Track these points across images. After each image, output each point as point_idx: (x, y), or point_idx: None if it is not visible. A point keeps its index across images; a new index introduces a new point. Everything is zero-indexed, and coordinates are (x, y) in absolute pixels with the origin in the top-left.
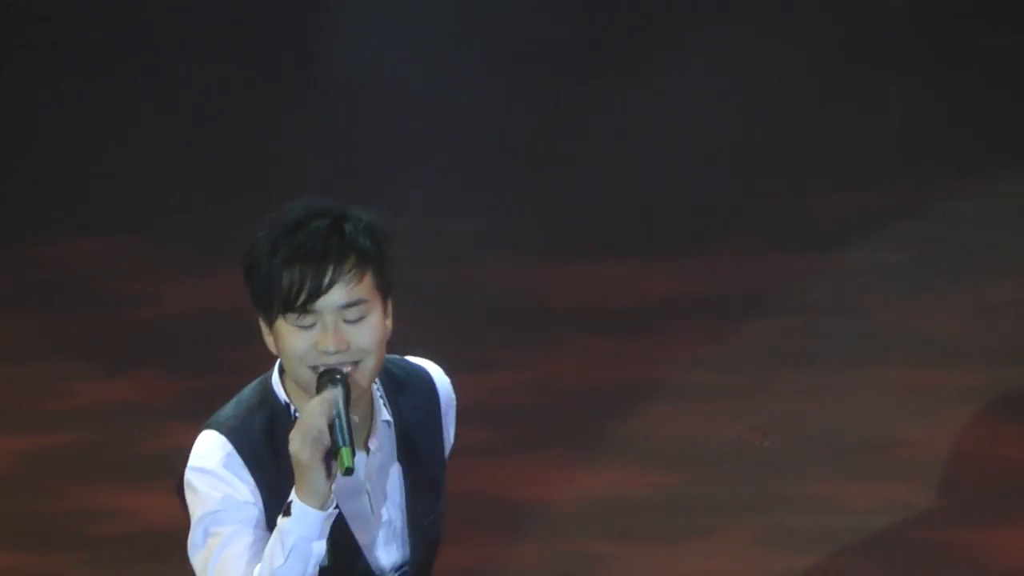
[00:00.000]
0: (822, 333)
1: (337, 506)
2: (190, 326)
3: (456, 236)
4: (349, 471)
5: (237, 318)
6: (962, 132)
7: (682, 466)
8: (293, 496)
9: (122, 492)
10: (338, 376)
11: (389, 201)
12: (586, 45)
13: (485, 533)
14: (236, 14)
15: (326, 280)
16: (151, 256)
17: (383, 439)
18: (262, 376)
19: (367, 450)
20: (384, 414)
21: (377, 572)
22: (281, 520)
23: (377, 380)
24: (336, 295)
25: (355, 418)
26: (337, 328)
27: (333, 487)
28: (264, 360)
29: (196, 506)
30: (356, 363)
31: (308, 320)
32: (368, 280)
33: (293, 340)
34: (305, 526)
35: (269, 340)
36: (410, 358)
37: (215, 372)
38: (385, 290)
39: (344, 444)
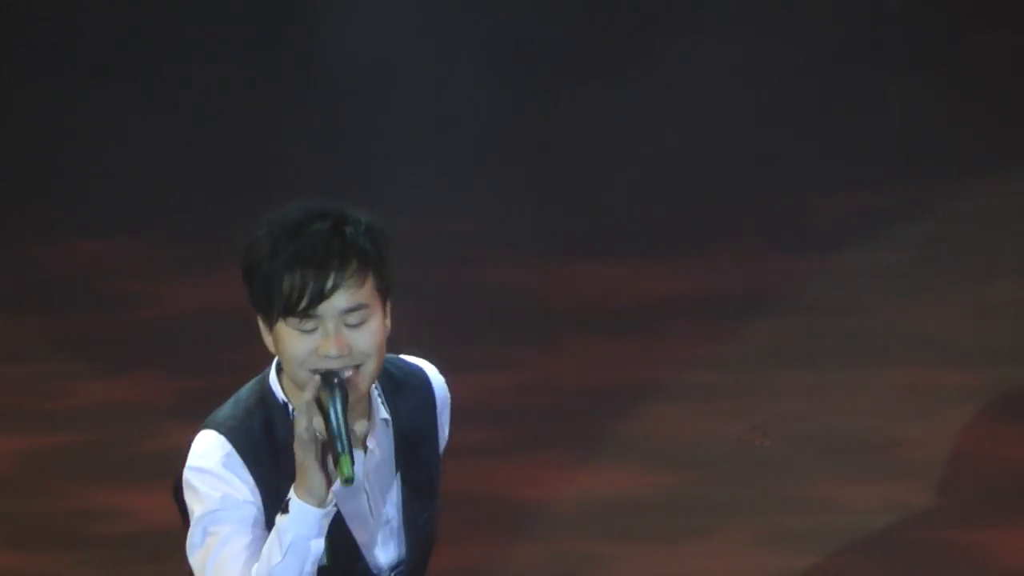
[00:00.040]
0: (822, 333)
1: (336, 505)
2: (190, 326)
3: (456, 236)
4: (349, 480)
5: (237, 318)
6: (962, 132)
7: (682, 466)
8: (292, 494)
9: (122, 492)
10: (335, 381)
11: (389, 201)
12: (587, 45)
13: (485, 533)
14: (236, 14)
15: (328, 285)
16: (151, 256)
17: (381, 438)
18: (259, 376)
19: (365, 449)
20: (382, 412)
21: (375, 571)
22: (279, 518)
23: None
24: (338, 300)
25: (355, 428)
26: (339, 333)
27: (332, 487)
28: (264, 360)
29: (195, 505)
30: (357, 367)
31: (309, 324)
32: (369, 284)
33: (294, 344)
34: (303, 524)
35: (268, 339)
36: (405, 356)
37: (215, 372)
38: (385, 292)
39: (343, 451)
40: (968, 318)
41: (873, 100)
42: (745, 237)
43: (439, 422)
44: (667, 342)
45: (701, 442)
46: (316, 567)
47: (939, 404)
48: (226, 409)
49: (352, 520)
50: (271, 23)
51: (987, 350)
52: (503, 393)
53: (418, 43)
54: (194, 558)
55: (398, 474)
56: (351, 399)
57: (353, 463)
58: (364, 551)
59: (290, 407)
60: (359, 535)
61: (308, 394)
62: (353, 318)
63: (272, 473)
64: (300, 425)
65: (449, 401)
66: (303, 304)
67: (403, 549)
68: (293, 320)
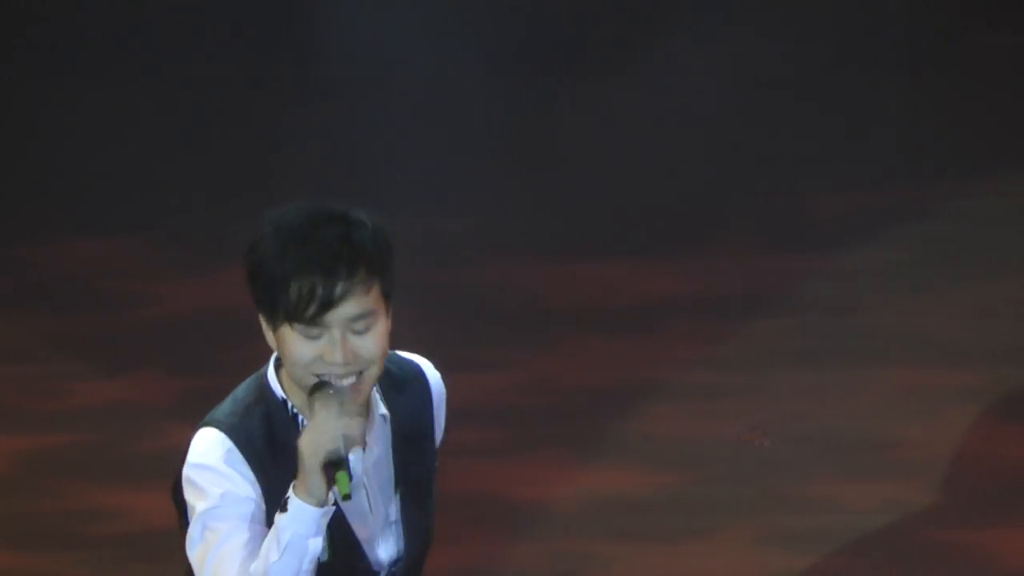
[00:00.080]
0: (822, 333)
1: (336, 503)
2: (190, 326)
3: (455, 236)
4: (347, 497)
5: (237, 318)
6: (962, 132)
7: (682, 466)
8: (291, 492)
9: (122, 492)
10: (330, 391)
11: (388, 201)
12: (587, 44)
13: (484, 533)
14: (236, 14)
15: (336, 293)
16: (151, 256)
17: (379, 434)
18: (256, 373)
19: (364, 445)
20: (381, 408)
21: (376, 567)
22: (278, 516)
23: None
24: (346, 309)
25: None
26: (344, 341)
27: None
28: (263, 360)
29: (196, 502)
30: (360, 372)
31: (315, 331)
32: (375, 290)
33: (299, 349)
34: (301, 523)
35: (269, 336)
36: (401, 352)
37: (215, 372)
38: (389, 296)
39: (341, 468)
40: (968, 318)
41: (873, 100)
42: (745, 237)
43: (435, 417)
44: (667, 342)
45: (701, 442)
46: (314, 566)
47: (939, 404)
48: (225, 407)
49: (352, 516)
50: (271, 23)
51: (987, 350)
52: (503, 393)
53: (418, 43)
54: (193, 554)
55: (396, 470)
56: (352, 404)
57: (351, 479)
58: (364, 546)
59: (289, 404)
60: (359, 531)
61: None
62: (359, 325)
63: (272, 469)
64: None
65: (445, 396)
66: (310, 312)
67: (401, 545)
68: (299, 326)
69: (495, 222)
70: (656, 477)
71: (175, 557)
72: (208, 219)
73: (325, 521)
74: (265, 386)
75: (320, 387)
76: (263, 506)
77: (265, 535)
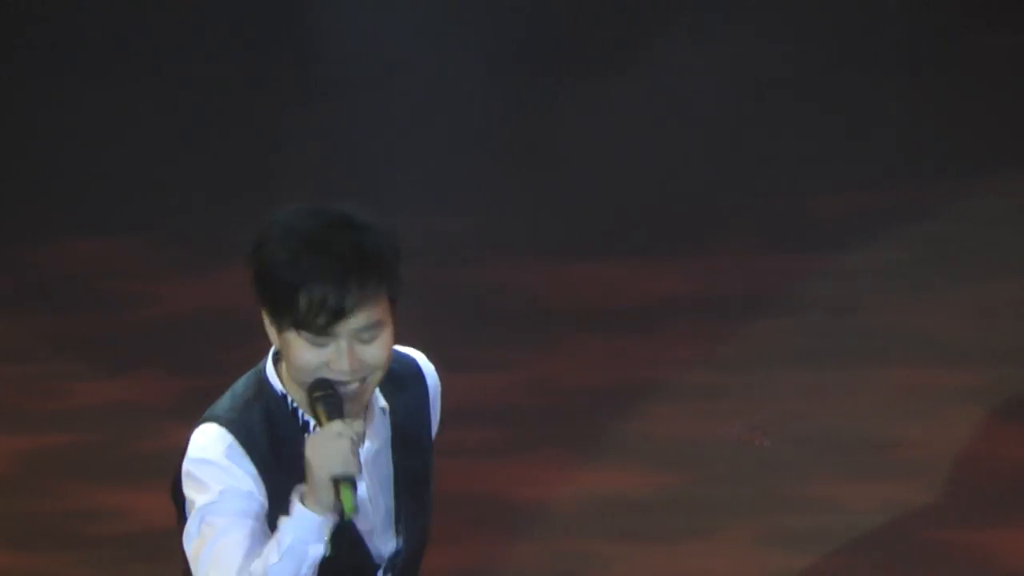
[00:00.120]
0: (822, 333)
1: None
2: (190, 326)
3: (455, 236)
4: (350, 518)
5: (237, 318)
6: (962, 132)
7: (682, 466)
8: (295, 497)
9: (122, 492)
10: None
11: (388, 201)
12: (586, 44)
13: (484, 533)
14: (236, 14)
15: (348, 305)
16: (151, 256)
17: (379, 427)
18: (254, 368)
19: (363, 439)
20: (380, 401)
21: (377, 561)
22: (282, 519)
23: None
24: (355, 320)
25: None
26: (351, 350)
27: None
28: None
29: (196, 496)
30: (364, 379)
31: (322, 340)
32: (384, 299)
33: (304, 355)
34: (303, 529)
35: (272, 333)
36: (397, 347)
37: (215, 372)
38: (395, 302)
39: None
40: (968, 318)
41: (873, 100)
42: (745, 237)
43: (432, 410)
44: (667, 342)
45: (701, 442)
46: (314, 570)
47: (939, 404)
48: (224, 402)
49: None
50: (271, 23)
51: (987, 350)
52: (503, 393)
53: (418, 43)
54: (190, 548)
55: (395, 463)
56: (354, 408)
57: (355, 495)
58: (366, 540)
59: (289, 398)
60: (360, 524)
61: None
62: (367, 335)
63: (273, 464)
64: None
65: (440, 389)
66: (320, 323)
67: (401, 538)
68: (306, 334)
69: (495, 222)
70: (656, 477)
71: (175, 557)
72: (208, 219)
73: (328, 529)
74: (264, 381)
75: (321, 386)
76: (264, 501)
77: (264, 531)
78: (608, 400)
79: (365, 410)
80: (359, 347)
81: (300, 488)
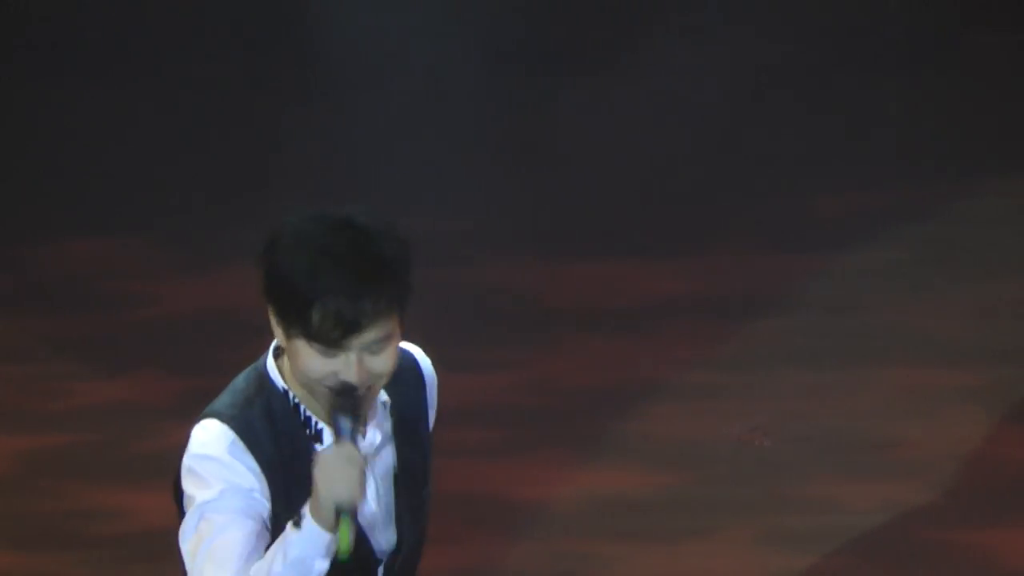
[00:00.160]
0: (822, 333)
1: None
2: (190, 326)
3: (455, 236)
4: (346, 553)
5: (237, 318)
6: (962, 132)
7: (682, 466)
8: (307, 511)
9: (122, 492)
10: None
11: (388, 201)
12: (587, 44)
13: (484, 533)
14: (236, 14)
15: (362, 321)
16: (151, 256)
17: (380, 421)
18: (253, 364)
19: (365, 432)
20: (382, 395)
21: (379, 555)
22: (290, 528)
23: None
24: (368, 335)
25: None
26: (360, 361)
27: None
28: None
29: (196, 492)
30: (370, 386)
31: (332, 351)
32: (396, 312)
33: (312, 364)
34: (311, 545)
35: (278, 332)
36: None
37: (215, 372)
38: (404, 311)
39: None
40: (968, 318)
41: (873, 100)
42: (745, 237)
43: (429, 405)
44: (667, 342)
45: (701, 442)
46: None
47: (939, 404)
48: (225, 398)
49: None
50: (271, 23)
51: (987, 350)
52: (503, 393)
53: (418, 43)
54: (186, 545)
55: (396, 457)
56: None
57: (353, 531)
58: (368, 534)
59: (290, 394)
60: (361, 519)
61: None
62: (376, 347)
63: (275, 459)
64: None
65: (436, 383)
66: (333, 337)
67: (401, 533)
68: (317, 345)
69: (495, 222)
70: (656, 477)
71: (175, 557)
72: (208, 219)
73: (334, 547)
74: (264, 376)
75: (346, 404)
76: (266, 499)
77: (264, 530)
78: (608, 400)
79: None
80: (367, 357)
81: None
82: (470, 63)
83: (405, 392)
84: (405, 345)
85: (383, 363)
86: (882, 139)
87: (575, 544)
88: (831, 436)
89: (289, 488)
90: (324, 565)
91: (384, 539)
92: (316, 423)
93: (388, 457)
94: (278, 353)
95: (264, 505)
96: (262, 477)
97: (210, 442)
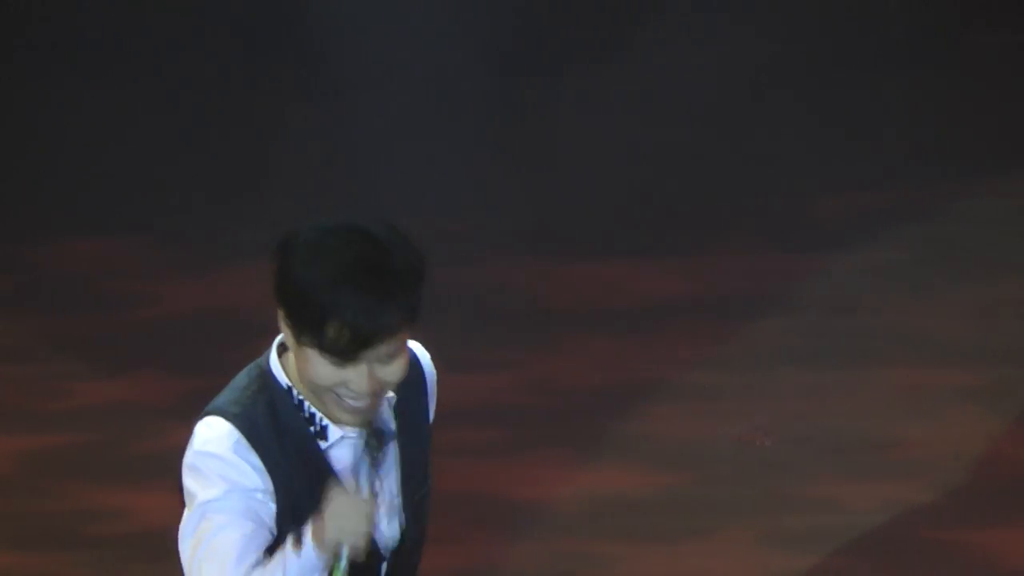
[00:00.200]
0: (822, 333)
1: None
2: (190, 326)
3: (455, 236)
4: None
5: (237, 318)
6: (962, 132)
7: (682, 466)
8: (309, 535)
9: (122, 492)
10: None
11: (388, 201)
12: (586, 44)
13: (484, 533)
14: (236, 14)
15: (377, 337)
16: (151, 256)
17: (385, 417)
18: (255, 361)
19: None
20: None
21: (382, 550)
22: (292, 549)
23: None
24: (380, 349)
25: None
26: (371, 372)
27: (338, 467)
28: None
29: (198, 490)
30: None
31: (344, 362)
32: (409, 324)
33: (323, 372)
34: (310, 568)
35: (288, 336)
36: None
37: (215, 372)
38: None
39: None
40: (968, 318)
41: (873, 100)
42: (745, 237)
43: (429, 400)
44: (667, 342)
45: (701, 442)
46: None
47: (939, 404)
48: (227, 395)
49: None
50: (271, 23)
51: (987, 350)
52: (503, 393)
53: (417, 43)
54: (185, 544)
55: (400, 452)
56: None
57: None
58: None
59: (294, 391)
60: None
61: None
62: (389, 358)
63: (279, 456)
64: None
65: (436, 378)
66: (347, 351)
67: (404, 527)
68: (329, 355)
69: (495, 222)
70: (656, 477)
71: (175, 557)
72: (208, 219)
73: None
74: (267, 373)
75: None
76: (269, 497)
77: (262, 531)
78: (608, 400)
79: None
80: (379, 367)
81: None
82: (470, 63)
83: (408, 390)
84: None
85: (394, 373)
86: (882, 139)
87: (575, 544)
88: (831, 436)
89: (293, 485)
90: None
91: (388, 532)
92: (320, 419)
93: (392, 452)
94: (282, 350)
95: (266, 504)
96: (265, 475)
97: (214, 439)
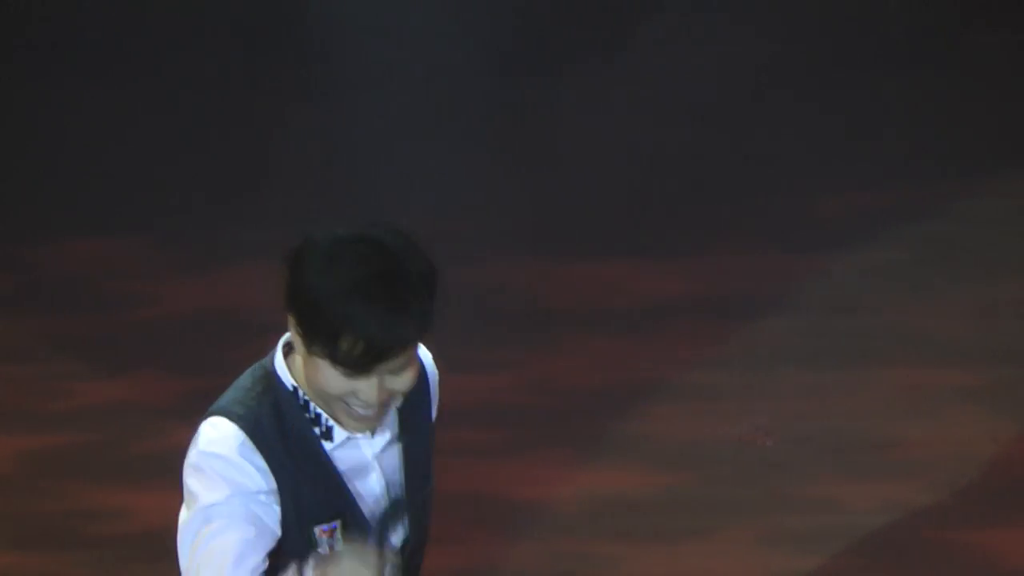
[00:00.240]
0: (822, 333)
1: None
2: (190, 326)
3: (455, 236)
4: None
5: (237, 318)
6: (962, 132)
7: (682, 466)
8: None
9: (122, 492)
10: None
11: (389, 201)
12: (586, 44)
13: (484, 533)
14: (236, 14)
15: (390, 352)
16: (151, 256)
17: (390, 420)
18: (259, 362)
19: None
20: None
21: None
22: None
23: None
24: (393, 363)
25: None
26: (382, 384)
27: (343, 467)
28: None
29: (200, 492)
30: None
31: (356, 374)
32: (421, 337)
33: (333, 382)
34: None
35: (297, 340)
36: None
37: (215, 372)
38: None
39: None
40: (968, 318)
41: (873, 100)
42: (745, 237)
43: (431, 399)
44: (667, 342)
45: (701, 442)
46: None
47: (939, 404)
48: (231, 396)
49: (363, 500)
50: (271, 23)
51: (987, 350)
52: (503, 393)
53: (417, 43)
54: (184, 546)
55: (403, 452)
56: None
57: None
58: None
59: (300, 392)
60: (371, 516)
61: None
62: (400, 369)
63: (284, 458)
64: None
65: (437, 378)
66: (360, 364)
67: (408, 527)
68: (341, 368)
69: (495, 222)
70: (656, 477)
71: (175, 557)
72: (208, 219)
73: None
74: (272, 374)
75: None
76: (273, 498)
77: (267, 536)
78: (608, 400)
79: None
80: (389, 378)
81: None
82: (470, 63)
83: (412, 391)
84: None
85: (404, 383)
86: (882, 139)
87: (575, 544)
88: (831, 436)
89: (297, 486)
90: None
91: (393, 535)
92: (326, 420)
93: (396, 454)
94: (288, 350)
95: (270, 506)
96: (269, 475)
97: (219, 440)
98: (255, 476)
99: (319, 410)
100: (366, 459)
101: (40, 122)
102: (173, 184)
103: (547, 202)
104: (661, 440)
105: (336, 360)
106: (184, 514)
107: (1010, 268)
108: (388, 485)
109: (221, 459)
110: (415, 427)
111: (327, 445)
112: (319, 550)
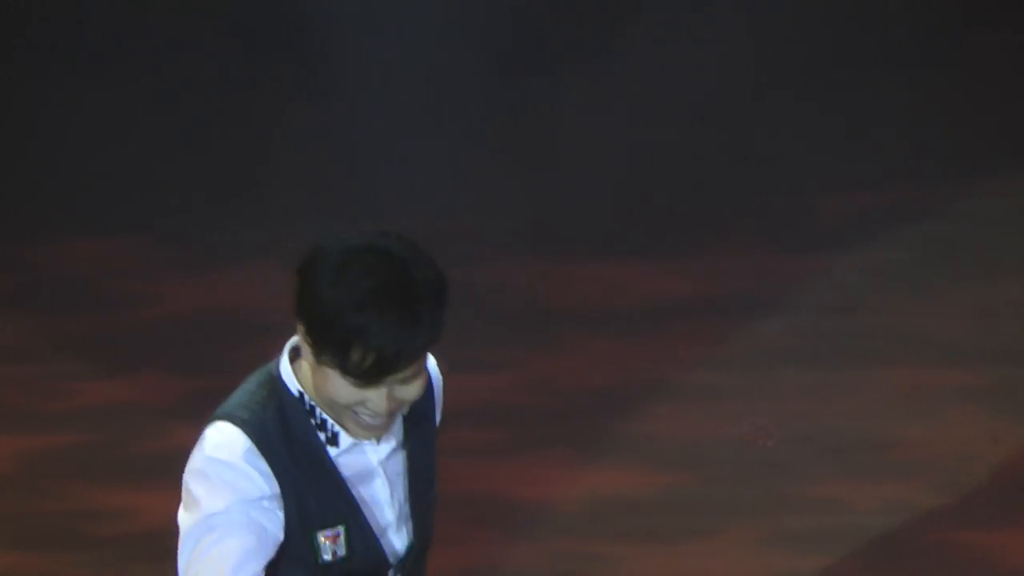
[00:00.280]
0: (822, 333)
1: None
2: (190, 326)
3: (456, 236)
4: None
5: (237, 318)
6: (963, 132)
7: (683, 466)
8: None
9: (122, 492)
10: None
11: (389, 201)
12: (587, 44)
13: (484, 533)
14: (236, 14)
15: (400, 364)
16: (151, 256)
17: (395, 426)
18: (264, 367)
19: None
20: None
21: (392, 559)
22: None
23: None
24: (403, 374)
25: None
26: (391, 393)
27: (349, 473)
28: (266, 358)
29: (202, 498)
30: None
31: (365, 385)
32: (430, 347)
33: (342, 391)
34: None
35: (306, 348)
36: None
37: (215, 372)
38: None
39: None
40: (968, 318)
41: (873, 100)
42: (745, 237)
43: (436, 404)
44: (667, 342)
45: (702, 442)
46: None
47: (939, 404)
48: (238, 400)
49: (368, 507)
50: (271, 23)
51: (987, 350)
52: (503, 393)
53: (417, 43)
54: (183, 553)
55: (408, 459)
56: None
57: None
58: (380, 537)
59: (306, 397)
60: (374, 522)
61: None
62: (408, 379)
63: (289, 463)
64: None
65: (441, 383)
66: (369, 375)
67: (411, 534)
68: (350, 378)
69: (495, 222)
70: (657, 477)
71: (175, 557)
72: (208, 219)
73: None
74: (277, 379)
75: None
76: (277, 504)
77: (269, 544)
78: (608, 400)
79: None
80: (398, 388)
81: None
82: (470, 63)
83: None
84: None
85: (413, 392)
86: (882, 139)
87: (575, 544)
88: (831, 436)
89: (301, 491)
90: None
91: (397, 541)
92: (331, 426)
93: (401, 460)
94: (294, 355)
95: (273, 512)
96: (273, 480)
97: (224, 445)
98: (259, 482)
99: (324, 416)
100: (371, 465)
101: (40, 122)
102: (173, 184)
103: (547, 202)
104: (661, 440)
105: (346, 371)
106: (184, 516)
107: (1010, 268)
108: (392, 492)
109: (226, 465)
110: (420, 433)
111: (332, 451)
112: (322, 556)
